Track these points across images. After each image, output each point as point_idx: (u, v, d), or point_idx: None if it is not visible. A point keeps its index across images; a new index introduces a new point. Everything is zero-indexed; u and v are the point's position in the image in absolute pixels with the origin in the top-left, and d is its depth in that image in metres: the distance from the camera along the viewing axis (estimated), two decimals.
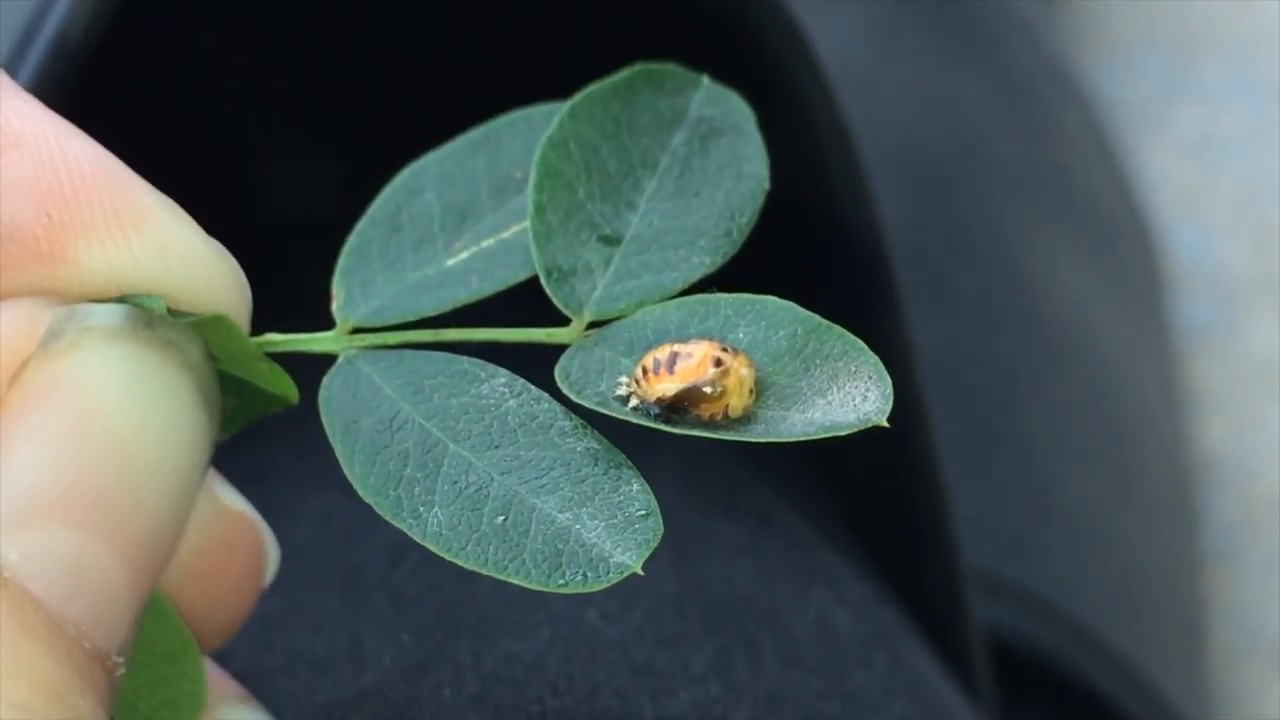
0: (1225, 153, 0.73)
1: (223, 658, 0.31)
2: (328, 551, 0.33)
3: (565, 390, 0.23)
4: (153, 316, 0.21)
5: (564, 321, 0.24)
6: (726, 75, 0.30)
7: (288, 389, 0.23)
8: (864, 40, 0.57)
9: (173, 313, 0.22)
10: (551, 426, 0.23)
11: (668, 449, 0.33)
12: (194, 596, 0.24)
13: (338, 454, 0.23)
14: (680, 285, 0.24)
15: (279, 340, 0.23)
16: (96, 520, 0.20)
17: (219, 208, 0.26)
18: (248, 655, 0.31)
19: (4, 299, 0.22)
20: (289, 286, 0.29)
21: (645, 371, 0.23)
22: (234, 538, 0.24)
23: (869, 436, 0.38)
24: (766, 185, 0.25)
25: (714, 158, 0.25)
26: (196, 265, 0.22)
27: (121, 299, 0.22)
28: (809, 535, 0.36)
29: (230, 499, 0.24)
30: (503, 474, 0.23)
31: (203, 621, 0.24)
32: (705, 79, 0.26)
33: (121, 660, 0.21)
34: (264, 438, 0.34)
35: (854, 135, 0.35)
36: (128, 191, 0.22)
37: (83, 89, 0.31)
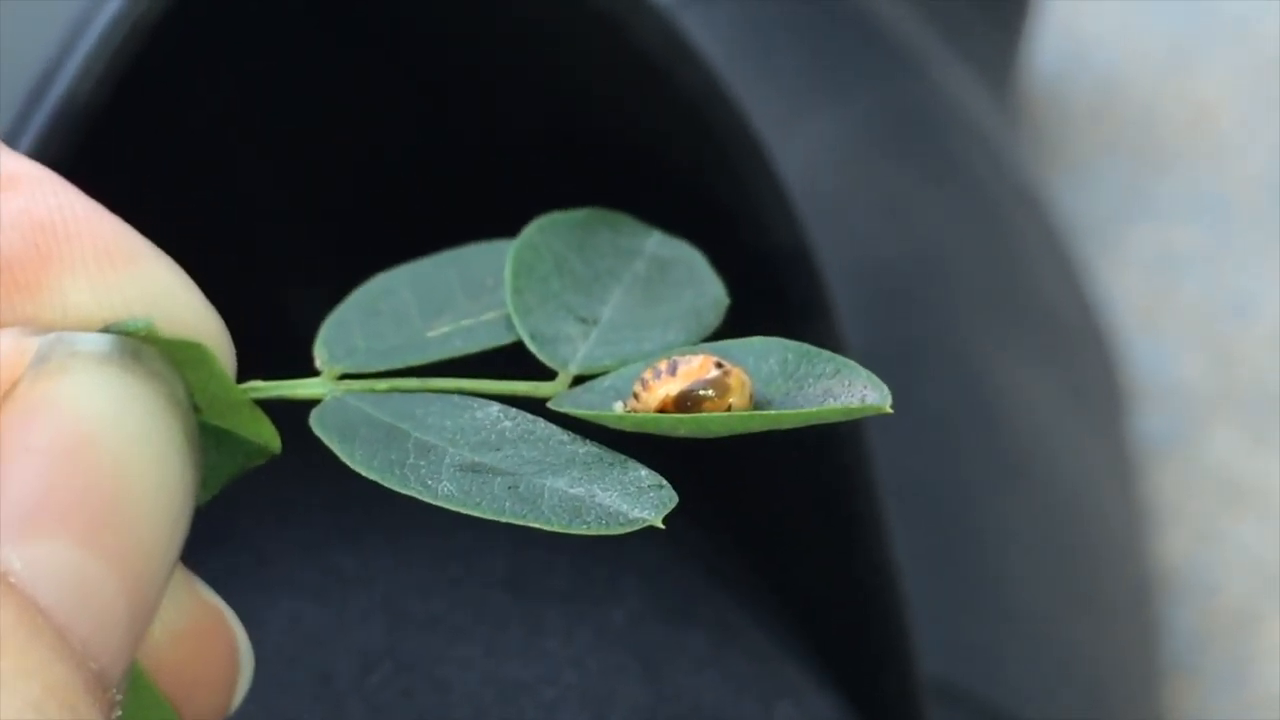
0: (1182, 269, 0.74)
1: None
2: (298, 657, 0.32)
3: (562, 410, 0.24)
4: (140, 348, 0.21)
5: (550, 376, 0.25)
6: (687, 191, 0.31)
7: (271, 437, 0.23)
8: (827, 155, 0.57)
9: (156, 339, 0.22)
10: (550, 439, 0.23)
11: (633, 559, 0.34)
12: (168, 687, 0.23)
13: (337, 452, 0.23)
14: (660, 351, 0.25)
15: (264, 386, 0.23)
16: (98, 538, 0.20)
17: (218, 269, 0.26)
18: None
19: None
20: (286, 354, 0.29)
21: (644, 383, 0.23)
22: (208, 628, 0.23)
23: (825, 547, 0.38)
24: (726, 301, 0.26)
25: (673, 279, 0.26)
26: (184, 309, 0.22)
27: (106, 329, 0.21)
28: (768, 647, 0.36)
29: (204, 592, 0.24)
30: (508, 468, 0.23)
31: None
32: (657, 232, 0.27)
33: (120, 699, 0.20)
34: (228, 540, 0.34)
35: (815, 253, 0.35)
36: (118, 234, 0.22)
37: (88, 148, 0.31)
